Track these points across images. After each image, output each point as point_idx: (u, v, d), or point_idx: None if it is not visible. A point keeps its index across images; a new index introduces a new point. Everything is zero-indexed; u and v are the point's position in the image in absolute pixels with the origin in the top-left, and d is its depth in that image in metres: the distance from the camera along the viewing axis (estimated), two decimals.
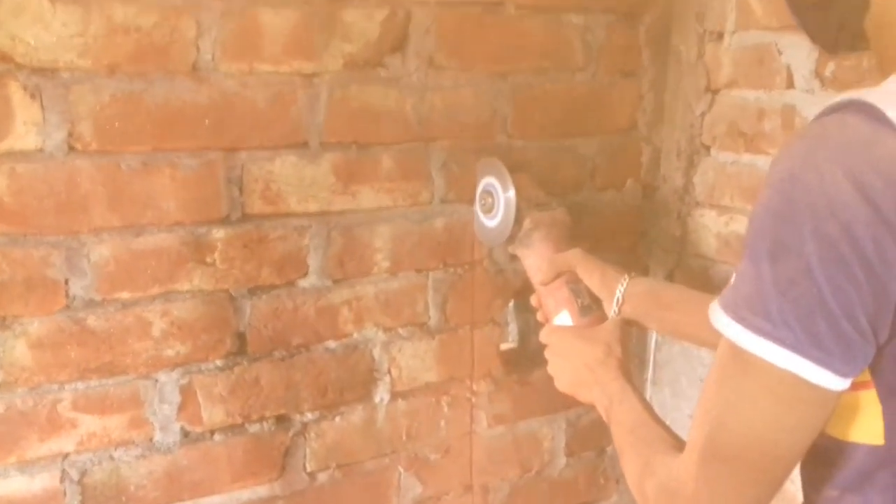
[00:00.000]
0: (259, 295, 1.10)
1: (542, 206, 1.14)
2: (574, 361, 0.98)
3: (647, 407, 0.86)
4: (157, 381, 1.04)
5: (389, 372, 1.22)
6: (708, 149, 1.35)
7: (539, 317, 1.13)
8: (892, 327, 0.59)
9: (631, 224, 1.43)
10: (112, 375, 1.01)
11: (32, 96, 0.92)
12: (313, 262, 1.13)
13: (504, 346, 1.34)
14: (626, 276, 1.04)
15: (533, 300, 1.14)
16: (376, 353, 1.21)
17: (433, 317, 1.25)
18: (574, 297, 1.07)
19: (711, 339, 1.00)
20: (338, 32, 1.08)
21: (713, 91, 1.33)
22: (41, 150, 0.93)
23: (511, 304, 1.33)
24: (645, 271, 1.45)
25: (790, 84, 1.21)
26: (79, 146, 0.95)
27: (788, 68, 1.21)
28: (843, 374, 0.60)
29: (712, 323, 0.65)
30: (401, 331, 1.22)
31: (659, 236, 1.45)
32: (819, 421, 0.62)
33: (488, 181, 1.17)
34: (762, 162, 1.26)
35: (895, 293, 0.57)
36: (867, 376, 0.62)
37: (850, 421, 0.65)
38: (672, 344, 1.44)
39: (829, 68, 1.15)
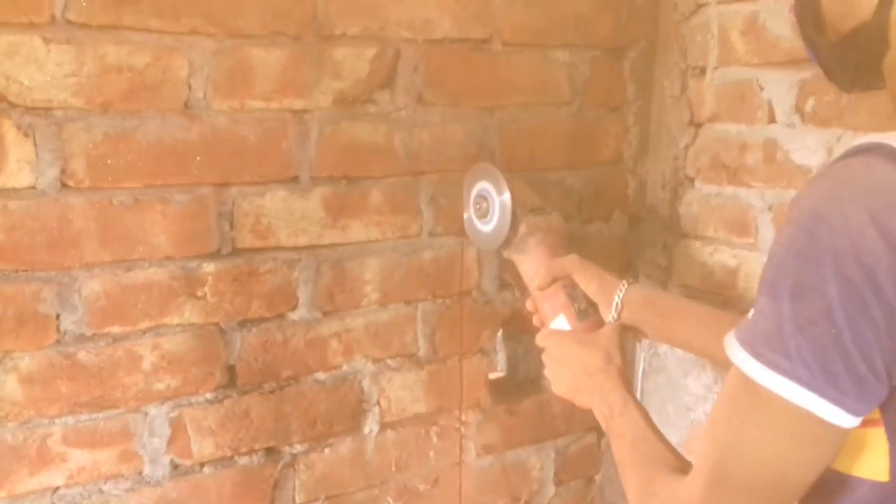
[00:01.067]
0: (249, 328, 1.11)
1: (537, 211, 1.13)
2: (572, 367, 0.98)
3: (649, 421, 0.87)
4: (146, 414, 1.05)
5: (378, 403, 1.23)
6: (692, 180, 1.37)
7: (535, 321, 1.13)
8: None
9: (618, 254, 1.44)
10: (102, 409, 1.02)
11: (26, 135, 0.93)
12: (303, 294, 1.14)
13: (493, 376, 1.35)
14: (624, 282, 1.04)
15: (528, 304, 1.14)
16: (365, 384, 1.22)
17: (422, 347, 1.26)
18: (571, 302, 1.07)
19: (704, 348, 1.03)
20: (328, 70, 1.10)
21: (696, 124, 1.35)
22: (34, 188, 0.95)
23: (499, 332, 1.34)
24: None
25: (771, 119, 1.23)
26: (71, 183, 0.96)
27: (769, 103, 1.23)
28: (856, 413, 0.61)
29: (728, 355, 0.66)
30: (390, 362, 1.23)
31: (645, 266, 1.47)
32: (829, 456, 0.64)
33: (482, 186, 1.15)
34: (745, 194, 1.28)
35: None
36: (877, 414, 0.63)
37: (857, 456, 0.66)
38: (659, 373, 1.46)
39: (810, 104, 1.18)
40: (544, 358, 1.03)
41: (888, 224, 0.58)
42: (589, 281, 1.05)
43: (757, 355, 0.63)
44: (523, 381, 1.40)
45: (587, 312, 1.06)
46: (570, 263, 1.07)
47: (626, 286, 1.03)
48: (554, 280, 1.08)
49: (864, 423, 0.63)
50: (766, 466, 0.64)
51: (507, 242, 1.13)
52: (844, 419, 0.61)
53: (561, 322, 1.07)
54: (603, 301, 1.04)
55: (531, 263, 1.12)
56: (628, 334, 1.04)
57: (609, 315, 1.03)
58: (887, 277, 0.57)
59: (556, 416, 1.42)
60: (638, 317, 1.02)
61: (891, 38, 0.67)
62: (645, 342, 1.47)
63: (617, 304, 1.02)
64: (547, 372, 1.02)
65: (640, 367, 1.49)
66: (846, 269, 0.58)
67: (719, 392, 0.68)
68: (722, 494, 0.66)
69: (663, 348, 1.45)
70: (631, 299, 1.02)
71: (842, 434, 0.62)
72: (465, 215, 1.19)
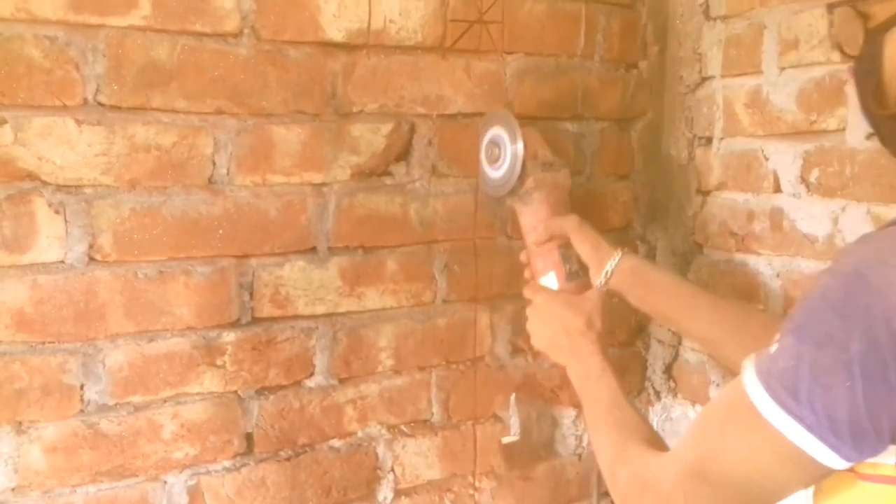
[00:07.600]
0: (266, 396, 1.13)
1: (547, 167, 1.14)
2: (554, 325, 1.02)
3: (622, 389, 0.91)
4: (165, 482, 1.06)
5: (393, 470, 1.24)
6: (701, 247, 1.40)
7: (526, 274, 1.16)
8: None
9: (629, 318, 1.46)
10: (122, 478, 1.03)
11: (56, 212, 0.97)
12: (319, 362, 1.16)
13: (506, 440, 1.36)
14: (619, 251, 1.06)
15: (522, 256, 1.16)
16: (380, 450, 1.23)
17: (436, 413, 1.27)
18: (563, 262, 1.10)
19: (681, 324, 1.05)
20: (346, 145, 1.14)
21: (704, 192, 1.38)
22: (62, 262, 0.98)
23: (513, 397, 1.35)
24: (643, 364, 1.48)
25: (777, 188, 1.26)
26: (98, 257, 1.00)
27: (775, 173, 1.26)
28: (848, 459, 0.64)
29: (742, 377, 0.69)
30: (404, 428, 1.25)
31: (656, 331, 1.48)
32: (808, 484, 0.67)
33: (496, 132, 1.15)
34: (753, 261, 1.30)
35: None
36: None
37: None
38: (671, 438, 1.45)
39: (814, 175, 1.21)
40: (529, 311, 1.07)
41: None
42: (584, 244, 1.08)
43: (768, 388, 0.65)
44: (537, 445, 1.41)
45: (577, 274, 1.09)
46: (569, 224, 1.09)
47: (619, 256, 1.06)
48: (551, 238, 1.11)
49: (886, 480, 0.65)
50: (747, 476, 0.68)
51: (513, 192, 1.14)
52: (835, 462, 0.64)
53: (550, 279, 1.11)
54: (594, 266, 1.07)
55: (532, 217, 1.13)
56: (613, 299, 1.06)
57: (597, 280, 1.05)
58: None
59: (571, 482, 1.42)
60: (624, 285, 1.06)
61: None
62: (658, 407, 1.48)
63: (607, 271, 1.05)
64: (529, 326, 1.06)
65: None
66: (875, 330, 0.60)
67: (719, 392, 0.70)
68: (699, 484, 0.70)
69: (676, 412, 1.45)
70: (621, 269, 1.05)
71: (828, 472, 0.65)
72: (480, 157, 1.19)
